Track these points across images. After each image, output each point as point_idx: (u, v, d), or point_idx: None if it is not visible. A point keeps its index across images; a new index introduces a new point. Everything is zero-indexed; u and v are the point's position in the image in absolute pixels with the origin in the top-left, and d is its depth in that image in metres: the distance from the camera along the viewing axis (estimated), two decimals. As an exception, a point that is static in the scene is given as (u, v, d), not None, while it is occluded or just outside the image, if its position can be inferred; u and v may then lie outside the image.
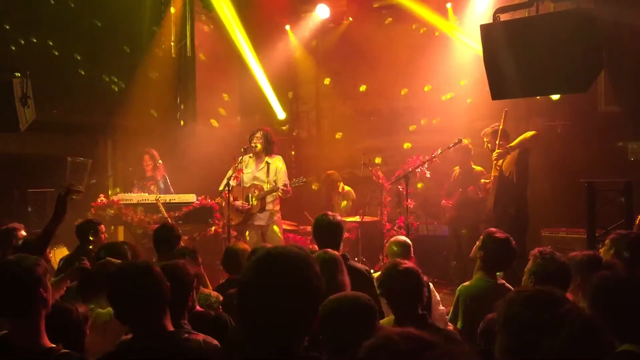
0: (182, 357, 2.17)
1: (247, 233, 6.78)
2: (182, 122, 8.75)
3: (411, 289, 2.87)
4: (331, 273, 2.95)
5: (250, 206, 6.59)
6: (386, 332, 1.27)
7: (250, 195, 6.58)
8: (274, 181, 6.54)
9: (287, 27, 9.72)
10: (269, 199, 6.60)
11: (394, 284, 2.88)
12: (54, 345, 2.30)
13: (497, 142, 6.26)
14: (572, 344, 1.55)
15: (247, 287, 1.64)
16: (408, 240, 4.54)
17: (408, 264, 2.97)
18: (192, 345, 2.22)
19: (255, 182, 6.64)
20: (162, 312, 2.27)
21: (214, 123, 8.99)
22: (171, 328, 2.27)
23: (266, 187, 6.53)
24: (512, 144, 6.23)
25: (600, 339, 1.60)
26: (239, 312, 1.67)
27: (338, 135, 9.97)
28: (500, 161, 6.27)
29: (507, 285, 3.61)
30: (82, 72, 7.40)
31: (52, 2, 7.14)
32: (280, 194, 6.46)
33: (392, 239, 4.63)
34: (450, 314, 3.63)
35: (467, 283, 3.69)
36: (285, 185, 6.36)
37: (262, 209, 6.58)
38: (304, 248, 1.83)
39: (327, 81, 9.98)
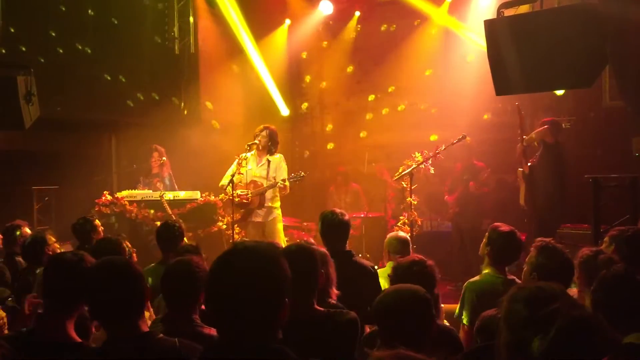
0: (156, 358, 2.15)
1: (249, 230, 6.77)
2: (185, 119, 8.76)
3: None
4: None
5: (247, 201, 6.56)
6: (378, 357, 1.25)
7: (249, 191, 6.57)
8: (274, 178, 6.52)
9: (287, 22, 9.70)
10: (268, 195, 6.58)
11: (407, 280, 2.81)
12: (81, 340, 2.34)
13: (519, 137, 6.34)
14: (560, 343, 1.55)
15: (211, 281, 1.67)
16: (407, 237, 4.53)
17: (430, 261, 2.97)
18: (166, 345, 2.19)
19: (255, 179, 6.62)
20: (138, 313, 2.22)
21: (215, 125, 8.98)
22: (146, 329, 2.24)
23: (265, 183, 6.51)
24: (525, 139, 6.29)
25: (592, 337, 1.59)
26: (206, 306, 1.70)
27: (342, 132, 9.97)
28: (532, 159, 6.33)
29: (518, 280, 3.55)
30: (86, 69, 7.41)
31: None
32: (278, 189, 6.44)
33: (392, 234, 4.60)
34: (457, 310, 3.60)
35: (474, 279, 3.65)
36: (283, 180, 6.35)
37: (261, 205, 6.55)
38: (275, 244, 1.85)
39: (330, 77, 9.98)
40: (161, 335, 2.26)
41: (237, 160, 6.51)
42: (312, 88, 10.35)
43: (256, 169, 6.63)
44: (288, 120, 10.05)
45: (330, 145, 10.05)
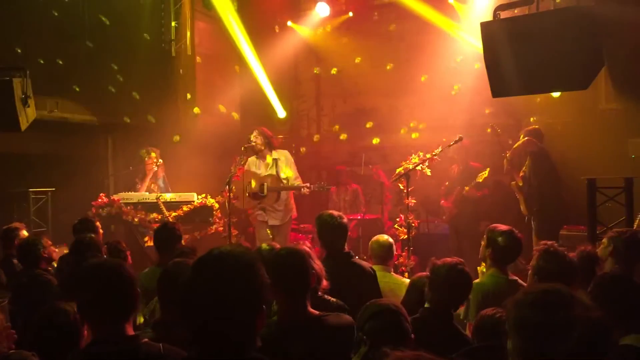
0: None
1: (267, 230, 6.74)
2: (182, 121, 8.74)
3: (461, 290, 2.99)
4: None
5: (263, 194, 6.54)
6: (399, 356, 1.29)
7: (265, 184, 6.52)
8: (286, 179, 6.53)
9: (289, 23, 9.71)
10: (283, 195, 6.59)
11: (444, 281, 2.94)
12: None
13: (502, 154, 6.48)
14: (583, 347, 1.57)
15: (186, 288, 1.63)
16: (390, 241, 4.53)
17: (463, 265, 3.03)
18: (150, 350, 2.17)
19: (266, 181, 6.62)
20: (125, 317, 2.20)
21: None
22: (131, 332, 2.21)
23: (284, 180, 6.51)
24: (508, 154, 6.35)
25: (610, 339, 1.62)
26: (181, 314, 1.66)
27: (337, 133, 9.96)
28: (524, 168, 6.37)
29: (520, 281, 3.60)
30: (82, 71, 7.39)
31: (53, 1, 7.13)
32: (303, 191, 6.45)
33: (375, 238, 4.60)
34: (463, 312, 3.61)
35: (477, 280, 3.67)
36: (308, 187, 6.37)
37: (278, 198, 6.54)
38: (248, 248, 1.80)
39: (328, 76, 10.00)
40: (146, 340, 2.23)
41: (235, 163, 6.52)
42: (309, 90, 10.35)
43: (265, 171, 6.61)
44: (285, 122, 10.05)
45: (327, 147, 10.05)
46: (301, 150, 9.59)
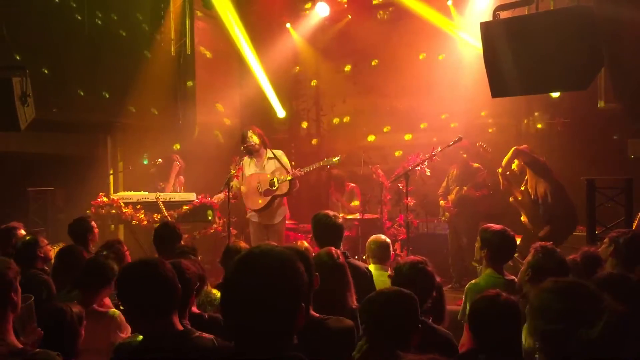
0: (197, 355, 2.16)
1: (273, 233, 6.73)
2: (181, 121, 8.74)
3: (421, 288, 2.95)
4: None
5: (276, 188, 6.52)
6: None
7: (276, 179, 6.50)
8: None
9: (288, 25, 9.71)
10: (277, 192, 6.59)
11: (405, 278, 2.98)
12: (22, 346, 2.29)
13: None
14: (607, 335, 1.62)
15: (228, 286, 1.65)
16: (387, 240, 4.57)
17: (428, 265, 3.06)
18: (204, 344, 2.20)
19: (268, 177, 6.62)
20: (172, 311, 2.24)
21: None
22: (180, 327, 2.25)
23: (282, 175, 6.50)
24: (500, 170, 6.36)
25: (631, 335, 1.66)
26: (222, 312, 1.68)
27: (338, 133, 9.97)
28: (523, 184, 6.37)
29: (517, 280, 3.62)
30: (82, 70, 7.38)
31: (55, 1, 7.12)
32: (290, 177, 6.43)
33: (372, 237, 4.64)
34: (460, 312, 3.63)
35: (475, 281, 3.69)
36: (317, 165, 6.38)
37: (290, 190, 6.53)
38: (291, 247, 1.83)
39: (325, 79, 10.00)
40: (198, 333, 2.26)
41: (235, 163, 6.51)
42: (308, 89, 10.36)
43: (266, 166, 6.59)
44: (284, 122, 10.06)
45: (327, 147, 10.05)
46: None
